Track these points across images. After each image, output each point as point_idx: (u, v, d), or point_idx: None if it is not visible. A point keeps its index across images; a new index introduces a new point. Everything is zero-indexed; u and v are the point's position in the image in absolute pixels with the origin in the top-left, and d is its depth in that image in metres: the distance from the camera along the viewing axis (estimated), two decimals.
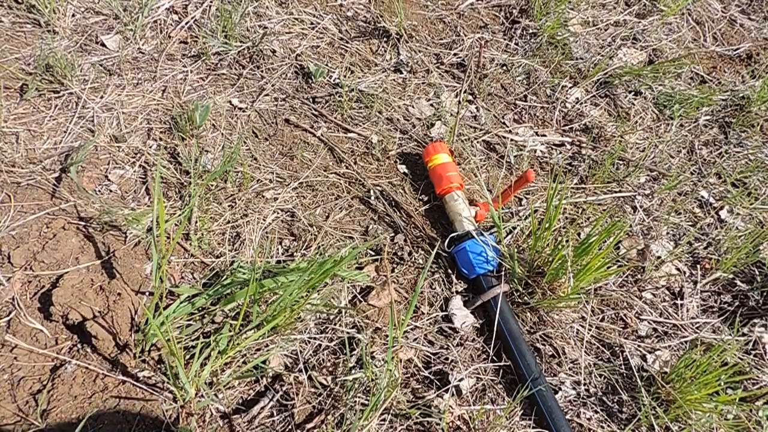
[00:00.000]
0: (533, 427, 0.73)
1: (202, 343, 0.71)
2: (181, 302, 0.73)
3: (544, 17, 1.17)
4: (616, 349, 0.83)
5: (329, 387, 0.72)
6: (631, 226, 0.95)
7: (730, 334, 0.86)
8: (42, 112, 0.90)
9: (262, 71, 1.02)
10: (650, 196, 1.00)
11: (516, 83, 1.11)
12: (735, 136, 1.12)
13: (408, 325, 0.79)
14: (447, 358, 0.77)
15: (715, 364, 0.75)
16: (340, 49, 1.09)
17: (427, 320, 0.80)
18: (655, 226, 0.96)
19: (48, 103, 0.91)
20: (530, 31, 1.17)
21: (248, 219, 0.85)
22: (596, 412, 0.77)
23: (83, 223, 0.79)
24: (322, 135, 0.97)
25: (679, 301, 0.89)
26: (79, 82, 0.94)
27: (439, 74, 1.09)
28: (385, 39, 1.12)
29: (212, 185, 0.86)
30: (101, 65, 0.97)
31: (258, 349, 0.73)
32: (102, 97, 0.93)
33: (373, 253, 0.85)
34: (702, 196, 1.02)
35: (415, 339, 0.78)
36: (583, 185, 0.99)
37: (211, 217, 0.84)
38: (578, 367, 0.80)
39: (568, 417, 0.75)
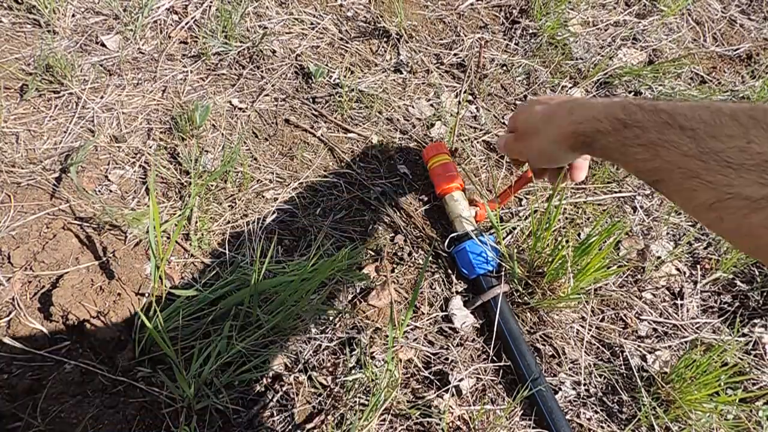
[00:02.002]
0: (533, 427, 0.73)
1: (202, 343, 0.71)
2: (180, 303, 0.73)
3: (544, 17, 1.18)
4: (616, 349, 0.83)
5: (329, 387, 0.72)
6: (631, 227, 0.95)
7: (730, 335, 0.86)
8: (42, 112, 0.90)
9: (262, 71, 1.02)
10: (650, 196, 1.00)
11: (516, 83, 1.11)
12: None
13: (408, 325, 0.79)
14: (447, 358, 0.77)
15: (715, 365, 0.75)
16: (340, 50, 1.09)
17: (427, 320, 0.80)
18: (655, 226, 0.96)
19: (48, 104, 0.91)
20: (530, 31, 1.17)
21: (248, 219, 0.85)
22: (596, 412, 0.77)
23: (83, 224, 0.79)
24: (322, 135, 0.97)
25: (679, 301, 0.89)
26: (79, 83, 0.94)
27: (439, 74, 1.09)
28: (385, 39, 1.12)
29: (212, 185, 0.86)
30: (101, 65, 0.97)
31: (258, 349, 0.73)
32: (102, 98, 0.93)
33: (373, 254, 0.85)
34: None
35: (415, 339, 0.78)
36: (584, 185, 0.99)
37: (211, 218, 0.84)
38: (578, 368, 0.80)
39: (568, 417, 0.75)
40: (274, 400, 0.71)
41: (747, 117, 0.39)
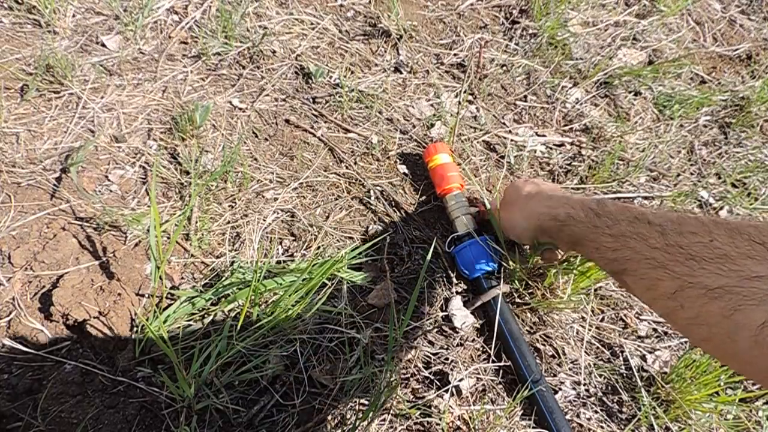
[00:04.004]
0: (533, 427, 0.73)
1: (202, 343, 0.71)
2: (181, 303, 0.73)
3: (544, 17, 1.18)
4: (616, 349, 0.83)
5: (329, 387, 0.72)
6: None
7: None
8: (42, 112, 0.90)
9: (262, 71, 1.02)
10: (650, 198, 1.00)
11: (516, 83, 1.12)
12: (735, 136, 1.12)
13: (408, 325, 0.79)
14: (447, 358, 0.77)
15: (715, 365, 0.75)
16: (340, 50, 1.09)
17: (427, 320, 0.80)
18: None
19: (48, 104, 0.91)
20: (530, 31, 1.18)
21: (248, 219, 0.85)
22: (596, 412, 0.77)
23: (83, 224, 0.79)
24: (322, 135, 0.97)
25: None
26: (79, 83, 0.94)
27: (439, 74, 1.09)
28: (385, 39, 1.12)
29: (212, 185, 0.86)
30: (101, 65, 0.97)
31: (258, 349, 0.73)
32: (102, 98, 0.93)
33: (373, 254, 0.85)
34: (702, 197, 1.02)
35: (415, 339, 0.78)
36: (583, 185, 0.99)
37: (211, 218, 0.84)
38: (578, 368, 0.80)
39: (568, 417, 0.75)
40: (274, 400, 0.71)
41: (709, 219, 0.44)
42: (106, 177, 0.85)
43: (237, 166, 0.89)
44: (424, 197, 0.93)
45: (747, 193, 1.03)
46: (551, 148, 1.04)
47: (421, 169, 0.96)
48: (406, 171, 0.96)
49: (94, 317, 0.69)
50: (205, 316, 0.74)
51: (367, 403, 0.70)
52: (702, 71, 1.21)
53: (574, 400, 0.78)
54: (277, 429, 0.69)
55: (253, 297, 0.71)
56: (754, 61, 1.25)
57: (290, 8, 1.12)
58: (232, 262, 0.80)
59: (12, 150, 0.84)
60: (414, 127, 1.01)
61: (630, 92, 1.14)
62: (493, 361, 0.78)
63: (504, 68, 1.13)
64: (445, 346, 0.78)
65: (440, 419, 0.71)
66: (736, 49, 1.27)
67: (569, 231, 0.59)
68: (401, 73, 1.08)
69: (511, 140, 1.03)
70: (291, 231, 0.86)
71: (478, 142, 1.01)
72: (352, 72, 1.06)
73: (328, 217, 0.88)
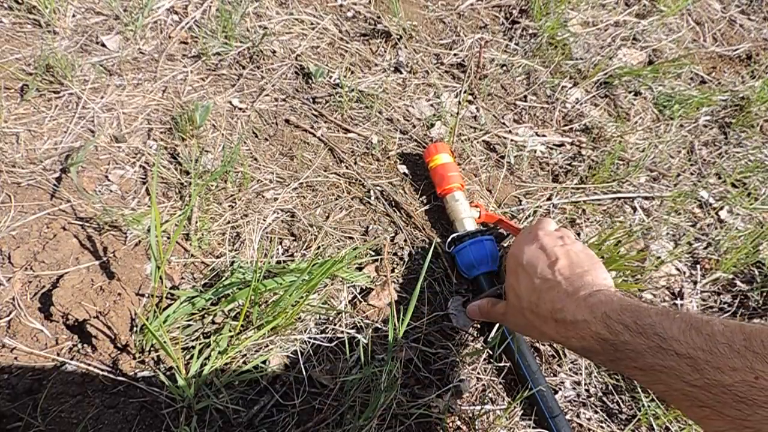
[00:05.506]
0: (533, 427, 0.73)
1: (202, 343, 0.71)
2: (181, 303, 0.73)
3: (544, 17, 1.18)
4: None
5: (329, 387, 0.72)
6: (630, 225, 0.95)
7: None
8: (42, 112, 0.90)
9: (262, 71, 1.02)
10: (651, 198, 1.00)
11: (516, 83, 1.12)
12: (735, 136, 1.12)
13: (408, 325, 0.79)
14: (447, 358, 0.77)
15: None
16: (340, 50, 1.09)
17: (427, 320, 0.80)
18: (655, 226, 0.96)
19: (48, 104, 0.91)
20: (530, 31, 1.18)
21: (248, 219, 0.85)
22: (596, 412, 0.77)
23: (84, 224, 0.79)
24: (322, 135, 0.97)
25: (679, 301, 0.89)
26: (79, 83, 0.94)
27: (439, 74, 1.09)
28: (385, 39, 1.12)
29: (212, 185, 0.86)
30: (101, 65, 0.97)
31: (258, 349, 0.74)
32: (102, 98, 0.93)
33: (373, 254, 0.85)
34: (702, 197, 1.02)
35: (415, 339, 0.78)
36: (583, 185, 0.99)
37: (211, 218, 0.84)
38: (578, 368, 0.80)
39: (568, 417, 0.75)
40: (274, 400, 0.71)
41: (745, 349, 0.40)
42: (106, 177, 0.85)
43: (237, 166, 0.89)
44: (424, 197, 0.93)
45: (747, 193, 1.03)
46: (551, 148, 1.04)
47: (421, 169, 0.96)
48: (406, 171, 0.96)
49: (94, 317, 0.69)
50: (205, 316, 0.74)
51: (367, 403, 0.70)
52: (702, 71, 1.21)
53: (574, 400, 0.78)
54: (277, 429, 0.69)
55: (253, 297, 0.71)
56: (754, 61, 1.25)
57: (290, 8, 1.12)
58: (232, 262, 0.80)
59: (12, 150, 0.84)
60: (414, 127, 1.01)
61: (630, 92, 1.14)
62: (493, 361, 0.78)
63: (504, 68, 1.13)
64: (445, 346, 0.78)
65: (440, 419, 0.71)
66: (736, 49, 1.27)
67: (589, 357, 0.55)
68: (401, 73, 1.08)
69: (511, 140, 1.03)
70: (291, 231, 0.86)
71: (478, 142, 1.01)
72: (352, 72, 1.06)
73: (328, 217, 0.88)
